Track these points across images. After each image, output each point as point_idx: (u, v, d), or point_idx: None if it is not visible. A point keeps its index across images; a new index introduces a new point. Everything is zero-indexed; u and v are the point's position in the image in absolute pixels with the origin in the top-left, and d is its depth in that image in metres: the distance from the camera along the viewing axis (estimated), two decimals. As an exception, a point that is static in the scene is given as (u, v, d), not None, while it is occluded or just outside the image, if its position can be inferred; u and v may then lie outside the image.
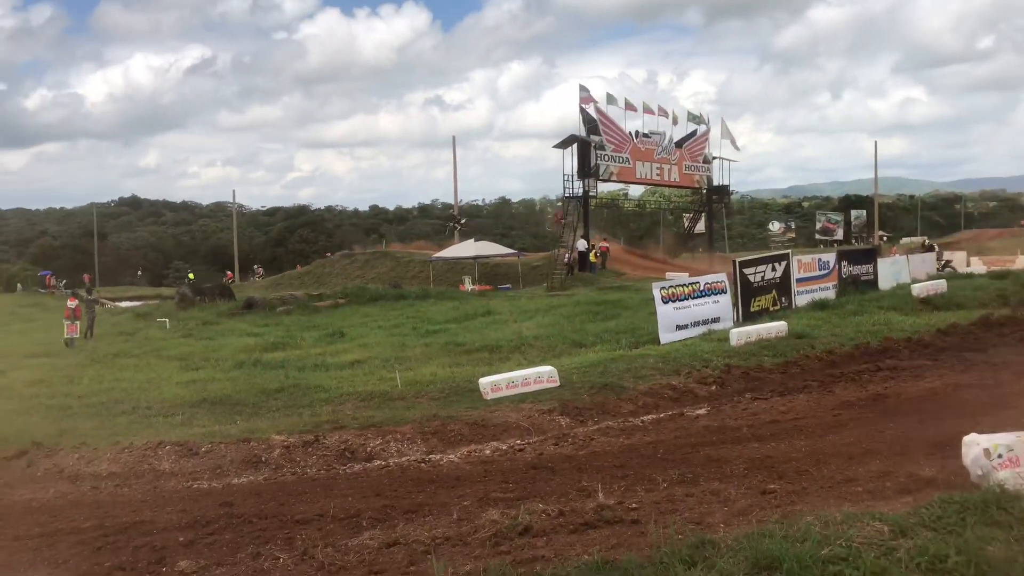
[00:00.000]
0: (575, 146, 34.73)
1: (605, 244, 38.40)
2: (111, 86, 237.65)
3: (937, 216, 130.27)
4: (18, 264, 70.51)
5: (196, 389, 13.19)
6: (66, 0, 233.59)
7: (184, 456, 9.01)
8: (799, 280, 18.55)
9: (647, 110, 37.63)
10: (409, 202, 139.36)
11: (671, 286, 15.71)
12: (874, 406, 9.35)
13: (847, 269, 20.19)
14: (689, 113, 40.09)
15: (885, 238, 79.71)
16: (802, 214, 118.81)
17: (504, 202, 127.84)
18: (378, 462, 8.90)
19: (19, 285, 52.66)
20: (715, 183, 41.83)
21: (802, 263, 18.87)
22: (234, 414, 11.42)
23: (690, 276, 27.40)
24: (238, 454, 9.09)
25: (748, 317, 16.70)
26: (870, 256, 21.69)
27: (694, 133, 40.30)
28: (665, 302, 15.39)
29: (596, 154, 34.65)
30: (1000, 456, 4.52)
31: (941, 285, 18.46)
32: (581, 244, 35.06)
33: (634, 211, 59.30)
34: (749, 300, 17.00)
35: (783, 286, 17.94)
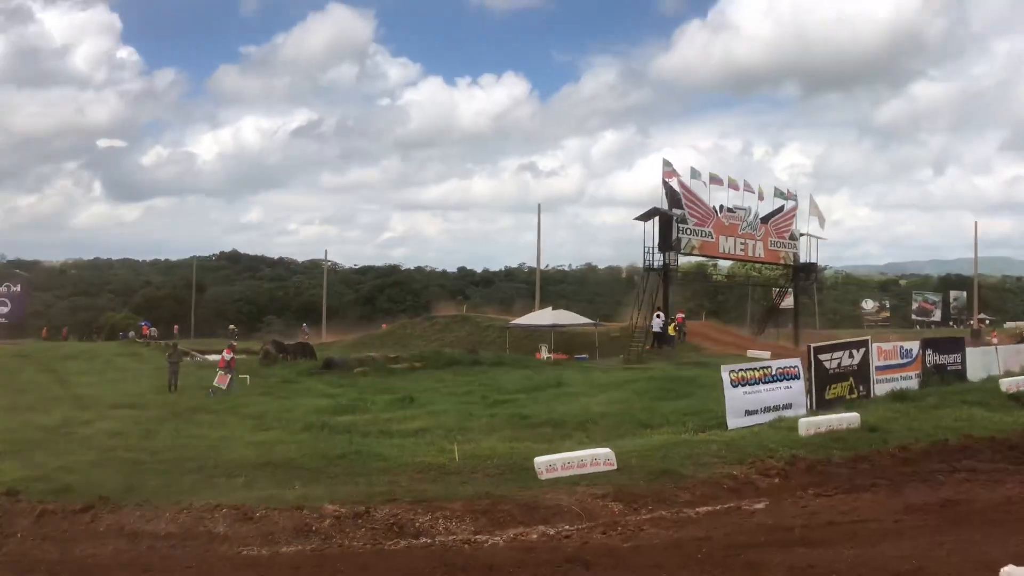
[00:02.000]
0: (656, 219, 34.76)
1: (681, 316, 38.00)
2: (221, 146, 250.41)
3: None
4: (122, 312, 74.37)
5: (263, 450, 13.56)
6: (187, 63, 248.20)
7: (239, 520, 9.27)
8: (879, 368, 17.91)
9: (732, 185, 37.46)
10: (496, 265, 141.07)
11: (741, 370, 15.39)
12: (941, 512, 8.90)
13: (932, 358, 19.40)
14: (776, 189, 39.70)
15: (987, 321, 76.20)
16: (898, 292, 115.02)
17: (590, 268, 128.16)
18: (424, 539, 8.95)
19: (126, 333, 55.40)
20: (802, 260, 41.05)
21: (882, 350, 18.23)
22: (294, 478, 11.67)
23: (771, 355, 26.87)
24: (290, 522, 9.29)
25: (822, 405, 16.17)
26: (958, 345, 20.78)
27: (781, 209, 39.81)
28: (735, 386, 15.08)
29: (678, 227, 34.57)
30: (1038, 593, 4.26)
31: (1033, 381, 17.51)
32: (658, 323, 34.72)
33: (723, 282, 58.73)
34: (824, 387, 16.49)
35: (861, 374, 17.35)
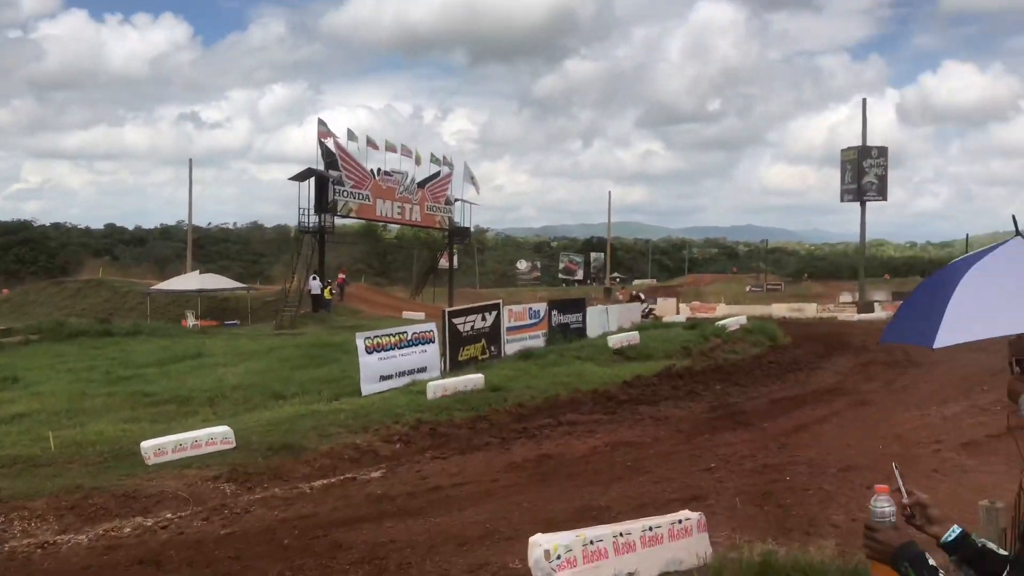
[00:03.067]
0: (312, 180, 33.90)
1: (342, 277, 37.79)
2: None
3: (667, 260, 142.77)
4: None
5: None
6: None
7: None
8: (510, 329, 19.10)
9: (390, 148, 37.66)
10: (151, 222, 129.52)
11: (376, 336, 15.46)
12: (536, 469, 9.57)
13: (557, 318, 21.15)
14: (432, 155, 40.67)
15: (618, 280, 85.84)
16: (550, 253, 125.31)
17: (256, 227, 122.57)
18: (-13, 548, 7.70)
19: None
20: (458, 224, 42.67)
21: (513, 312, 19.47)
22: None
23: (425, 316, 27.57)
24: None
25: (456, 367, 16.85)
26: (580, 305, 22.91)
27: (437, 174, 40.88)
28: (369, 352, 15.11)
29: (334, 189, 34.00)
30: (559, 557, 4.60)
31: (634, 336, 19.83)
32: (314, 283, 34.11)
33: (393, 243, 59.33)
34: (458, 349, 17.18)
35: (493, 335, 18.36)
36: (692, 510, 6.89)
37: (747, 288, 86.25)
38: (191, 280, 34.72)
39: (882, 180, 41.83)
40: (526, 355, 18.22)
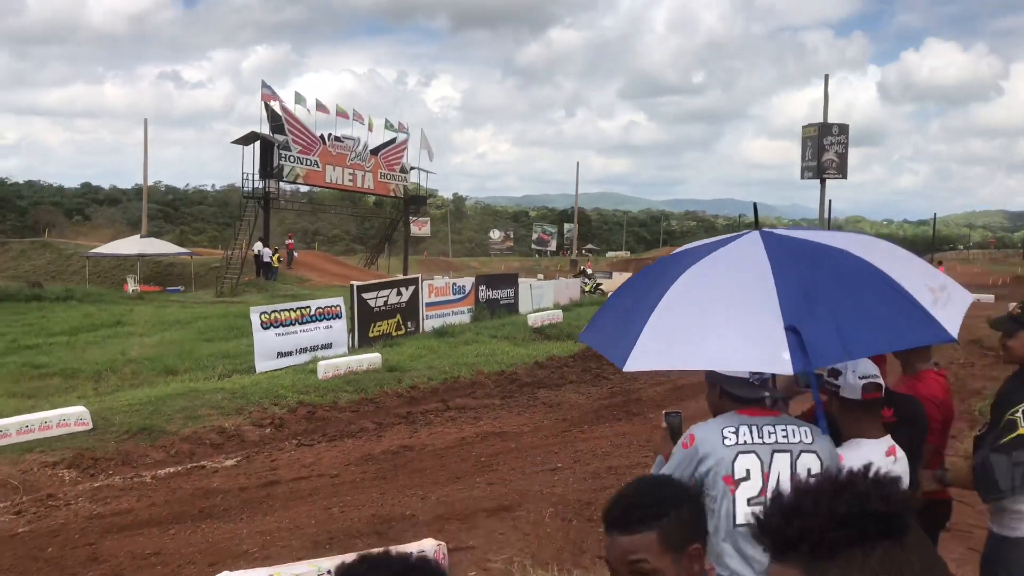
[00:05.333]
0: (257, 143, 33.00)
1: (290, 243, 37.04)
2: None
3: (645, 232, 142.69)
4: None
5: None
6: None
7: None
8: (429, 304, 18.53)
9: (340, 113, 36.72)
10: (128, 182, 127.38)
11: (274, 311, 14.85)
12: (389, 462, 9.06)
13: (485, 293, 20.59)
14: (387, 121, 39.74)
15: (586, 251, 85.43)
16: (528, 223, 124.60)
17: (234, 190, 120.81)
18: None
19: None
20: (414, 193, 41.91)
21: (433, 287, 18.90)
22: None
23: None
24: None
25: (365, 343, 16.30)
26: (511, 280, 22.35)
27: (393, 141, 40.03)
28: (265, 327, 14.51)
29: (280, 154, 33.12)
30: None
31: (557, 314, 19.31)
32: (263, 250, 33.32)
33: (373, 210, 58.40)
34: (368, 325, 16.61)
35: (410, 310, 17.80)
36: (502, 520, 6.42)
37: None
38: (132, 244, 33.80)
39: (842, 158, 41.31)
40: (441, 332, 17.68)
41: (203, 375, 14.16)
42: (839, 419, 2.83)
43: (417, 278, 18.46)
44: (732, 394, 2.62)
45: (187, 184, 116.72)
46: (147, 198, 49.35)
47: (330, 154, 35.57)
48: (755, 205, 3.28)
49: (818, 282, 2.74)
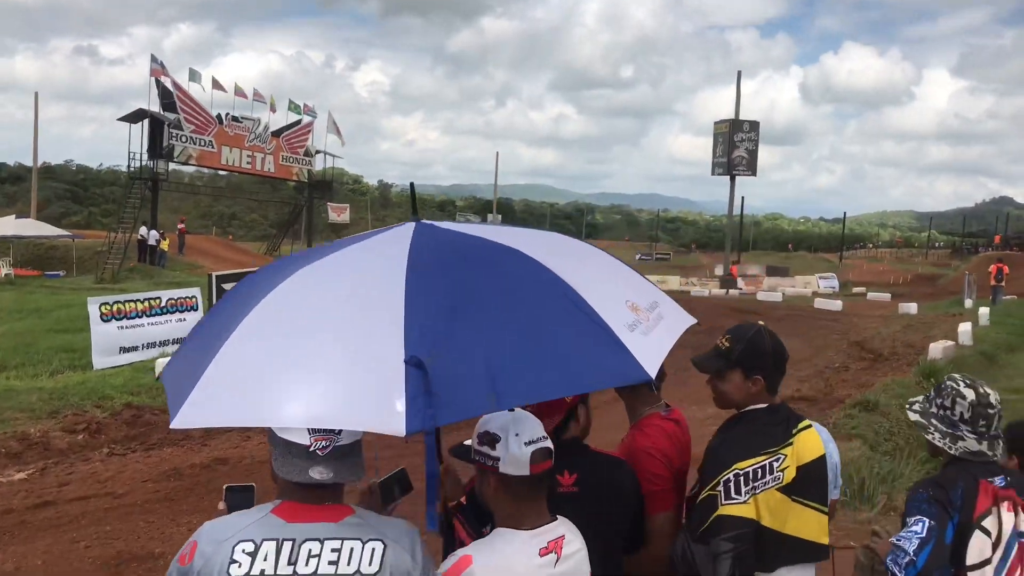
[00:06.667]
0: (146, 121, 31.11)
1: (182, 226, 35.23)
2: None
3: (571, 225, 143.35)
4: None
5: None
6: None
7: None
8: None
9: (239, 92, 34.99)
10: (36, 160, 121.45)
11: (116, 302, 13.55)
12: (191, 479, 8.02)
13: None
14: (291, 102, 38.12)
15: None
16: (453, 212, 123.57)
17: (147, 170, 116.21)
18: None
19: None
20: (320, 178, 40.40)
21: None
22: None
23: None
24: None
25: (228, 337, 15.09)
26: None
27: (297, 123, 38.43)
28: (106, 320, 13.20)
29: (171, 133, 31.29)
30: None
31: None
32: (150, 233, 31.46)
33: (265, 198, 56.34)
34: (231, 318, 15.39)
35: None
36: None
37: (636, 256, 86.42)
38: (6, 225, 31.45)
39: (752, 155, 41.43)
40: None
41: (33, 371, 12.83)
42: (491, 503, 1.98)
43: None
44: (281, 477, 1.74)
45: (100, 163, 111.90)
46: (36, 177, 46.47)
47: (227, 135, 33.86)
48: (412, 185, 2.41)
49: (471, 295, 1.87)
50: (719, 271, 52.01)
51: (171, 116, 31.22)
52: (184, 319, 14.36)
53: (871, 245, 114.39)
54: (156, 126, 31.07)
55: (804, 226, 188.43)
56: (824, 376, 12.58)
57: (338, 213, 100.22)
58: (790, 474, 2.34)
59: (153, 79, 30.78)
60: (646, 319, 2.02)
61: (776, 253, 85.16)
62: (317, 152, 39.58)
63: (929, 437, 2.41)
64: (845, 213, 78.91)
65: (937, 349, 13.04)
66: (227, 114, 34.14)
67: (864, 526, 6.83)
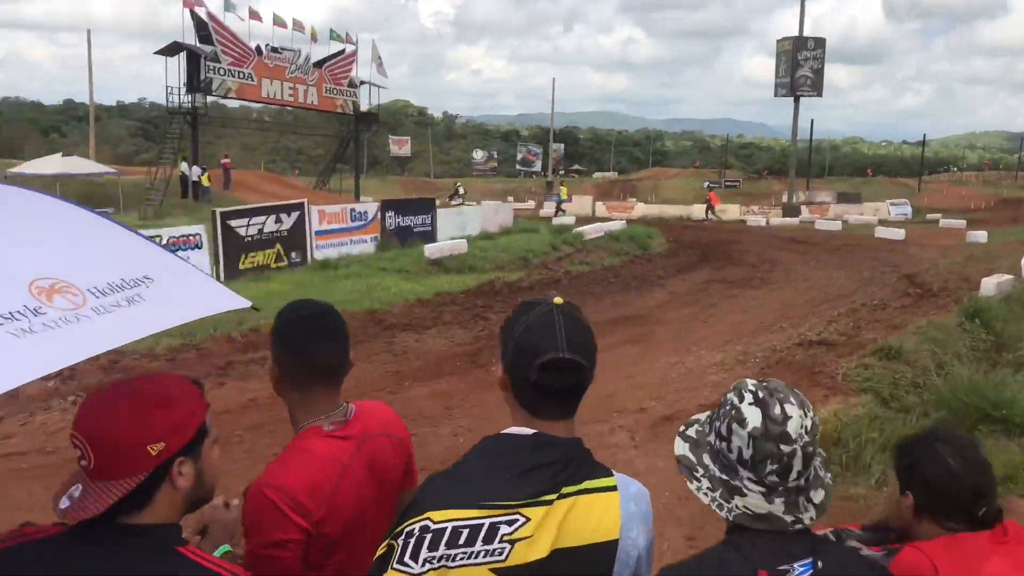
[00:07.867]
0: (183, 55, 30.66)
1: (227, 161, 35.08)
2: None
3: (639, 152, 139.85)
4: None
5: None
6: None
7: None
8: (320, 232, 16.80)
9: (278, 23, 34.16)
10: (111, 99, 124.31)
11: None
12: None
13: (394, 220, 18.83)
14: (333, 31, 37.11)
15: (562, 172, 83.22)
16: (518, 143, 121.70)
17: (217, 106, 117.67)
18: None
19: None
20: (364, 109, 39.56)
21: (326, 213, 17.12)
22: None
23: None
24: None
25: (235, 276, 14.64)
26: (428, 206, 20.55)
27: (341, 53, 37.49)
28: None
29: (208, 66, 30.79)
30: None
31: (460, 245, 17.51)
32: (191, 169, 31.34)
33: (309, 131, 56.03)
34: (238, 256, 14.93)
35: (294, 240, 16.09)
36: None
37: (705, 184, 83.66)
38: (52, 163, 31.70)
39: (818, 74, 38.73)
40: (324, 264, 16.00)
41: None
42: None
43: (303, 203, 16.68)
44: None
45: (170, 100, 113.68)
46: (93, 115, 46.92)
47: (266, 67, 33.19)
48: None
49: None
50: (786, 199, 49.72)
51: (208, 48, 30.67)
52: (187, 258, 13.87)
53: (956, 168, 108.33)
54: (192, 59, 30.59)
55: (885, 150, 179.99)
56: (857, 315, 11.36)
57: (399, 145, 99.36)
58: (530, 553, 1.40)
59: (186, 9, 30.18)
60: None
61: (853, 179, 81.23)
62: (362, 83, 38.66)
63: (693, 487, 1.48)
64: (924, 136, 74.38)
65: (990, 284, 11.57)
66: (267, 45, 33.42)
67: (857, 503, 5.86)
